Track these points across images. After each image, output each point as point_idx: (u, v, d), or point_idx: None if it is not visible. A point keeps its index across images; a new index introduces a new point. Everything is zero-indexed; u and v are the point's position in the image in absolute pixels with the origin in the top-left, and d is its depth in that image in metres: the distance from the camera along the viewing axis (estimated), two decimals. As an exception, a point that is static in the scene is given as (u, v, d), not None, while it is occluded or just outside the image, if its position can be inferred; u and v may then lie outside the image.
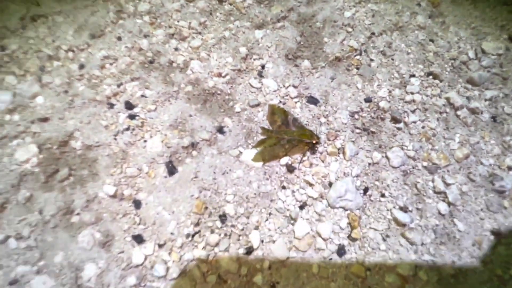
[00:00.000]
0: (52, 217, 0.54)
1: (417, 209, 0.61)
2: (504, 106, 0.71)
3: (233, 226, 0.56)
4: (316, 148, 0.64)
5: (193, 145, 0.63)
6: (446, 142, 0.68)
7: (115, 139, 0.62)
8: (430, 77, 0.76)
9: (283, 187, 0.60)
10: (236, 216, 0.57)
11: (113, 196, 0.57)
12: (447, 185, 0.63)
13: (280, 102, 0.70)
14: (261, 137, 0.65)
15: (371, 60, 0.78)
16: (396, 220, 0.59)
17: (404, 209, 0.61)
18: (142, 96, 0.67)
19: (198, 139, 0.64)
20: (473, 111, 0.71)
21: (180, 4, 0.79)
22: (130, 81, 0.68)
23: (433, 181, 0.63)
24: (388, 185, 0.63)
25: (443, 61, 0.79)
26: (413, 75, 0.76)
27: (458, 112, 0.71)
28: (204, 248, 0.53)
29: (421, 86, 0.74)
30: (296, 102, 0.70)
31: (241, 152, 0.63)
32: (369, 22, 0.83)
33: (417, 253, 0.56)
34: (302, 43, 0.78)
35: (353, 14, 0.82)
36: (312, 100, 0.71)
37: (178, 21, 0.76)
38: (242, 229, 0.56)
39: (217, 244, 0.54)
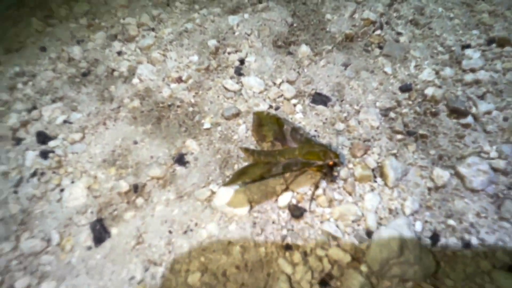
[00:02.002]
0: None
1: (538, 265, 0.34)
2: None
3: (199, 337, 0.31)
4: (335, 173, 0.39)
5: (136, 189, 0.40)
6: (553, 138, 0.42)
7: (15, 192, 0.41)
8: (494, 45, 0.52)
9: (288, 248, 0.36)
10: (205, 314, 0.32)
11: (-5, 295, 0.34)
12: None
13: (271, 107, 0.47)
14: (244, 163, 0.41)
15: (398, 33, 0.55)
16: (506, 294, 0.32)
17: (514, 268, 0.34)
18: (65, 122, 0.47)
19: (145, 178, 0.41)
20: None
21: (127, -1, 0.61)
22: (49, 103, 0.49)
23: (553, 209, 0.36)
24: (472, 224, 0.37)
25: (507, 22, 0.55)
26: (468, 46, 0.52)
27: (556, 89, 0.45)
28: None
29: (484, 59, 0.50)
30: (295, 105, 0.48)
31: (213, 193, 0.40)
32: (386, -14, 0.61)
33: None
34: (295, 25, 0.58)
35: (361, -22, 0.61)
36: (320, 99, 0.48)
37: (123, 19, 0.58)
38: None
39: None
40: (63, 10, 0.61)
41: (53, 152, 0.44)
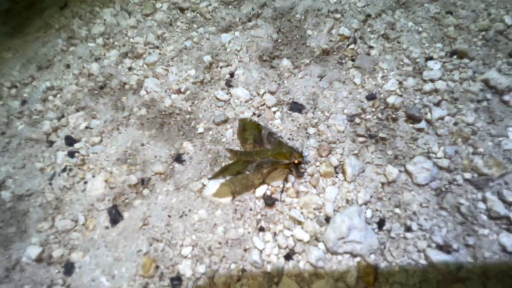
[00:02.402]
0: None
1: (467, 246, 0.42)
2: None
3: (189, 293, 0.41)
4: (301, 170, 0.48)
5: (143, 182, 0.51)
6: (495, 141, 0.49)
7: (50, 184, 0.52)
8: (455, 57, 0.59)
9: (261, 229, 0.45)
10: (194, 277, 0.42)
11: (39, 260, 0.45)
12: (509, 204, 0.43)
13: (254, 114, 0.57)
14: (230, 162, 0.51)
15: (370, 47, 0.63)
16: (434, 267, 0.40)
17: (445, 248, 0.42)
18: (87, 127, 0.58)
19: (150, 173, 0.52)
20: (528, 93, 0.52)
21: (136, 20, 0.72)
22: (74, 112, 0.60)
23: (484, 200, 0.44)
24: (415, 213, 0.45)
25: (470, 34, 0.61)
26: (431, 58, 0.59)
27: (505, 97, 0.52)
28: (147, 331, 0.39)
29: (443, 70, 0.57)
30: (274, 112, 0.56)
31: (204, 185, 0.50)
32: (363, 3, 0.69)
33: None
34: (280, 40, 0.66)
35: (339, -3, 0.69)
36: (296, 107, 0.56)
37: (133, 38, 0.69)
38: (204, 297, 0.41)
39: (165, 325, 0.39)
40: (83, 31, 0.72)
41: (78, 152, 0.55)
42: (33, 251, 0.45)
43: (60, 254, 0.46)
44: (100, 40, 0.70)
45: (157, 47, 0.68)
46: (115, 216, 0.48)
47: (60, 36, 0.71)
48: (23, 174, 0.54)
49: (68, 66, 0.67)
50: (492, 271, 0.40)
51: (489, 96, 0.53)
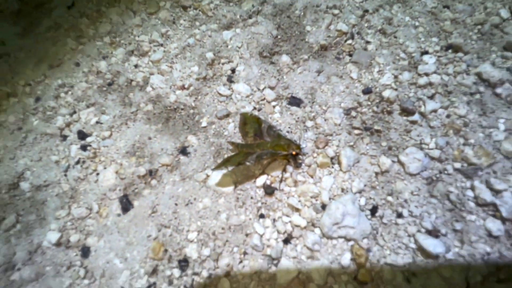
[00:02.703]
0: (-8, 275, 0.48)
1: (455, 231, 0.45)
2: None
3: (195, 274, 0.45)
4: (299, 161, 0.51)
5: (151, 173, 0.54)
6: (486, 132, 0.51)
7: (65, 175, 0.56)
8: (450, 51, 0.60)
9: (261, 216, 0.48)
10: (200, 259, 0.46)
11: (58, 245, 0.49)
12: (496, 192, 0.46)
13: (255, 108, 0.60)
14: (231, 154, 0.54)
15: (367, 42, 0.65)
16: (422, 250, 0.43)
17: (433, 232, 0.45)
18: (97, 122, 0.61)
19: (157, 165, 0.55)
20: (519, 86, 0.54)
21: (141, 19, 0.74)
22: (85, 108, 0.63)
23: (473, 188, 0.47)
24: (406, 200, 0.48)
25: (466, 28, 0.63)
26: (426, 52, 0.61)
27: (498, 90, 0.54)
28: (158, 307, 0.43)
29: (438, 64, 0.59)
30: (274, 106, 0.59)
31: (208, 176, 0.53)
32: (360, -1, 0.70)
33: (461, 300, 0.40)
34: (279, 37, 0.68)
35: (338, -7, 0.71)
36: (295, 101, 0.59)
37: (138, 36, 0.72)
38: (209, 277, 0.44)
39: (174, 301, 0.43)
40: (90, 30, 0.75)
41: (90, 146, 0.58)
42: (53, 236, 0.50)
43: (77, 239, 0.50)
44: (107, 39, 0.73)
45: (162, 45, 0.71)
46: (126, 205, 0.52)
47: (69, 36, 0.75)
48: (40, 167, 0.58)
49: (77, 64, 0.70)
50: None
51: (482, 89, 0.55)
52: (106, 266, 0.48)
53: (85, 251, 0.49)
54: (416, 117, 0.54)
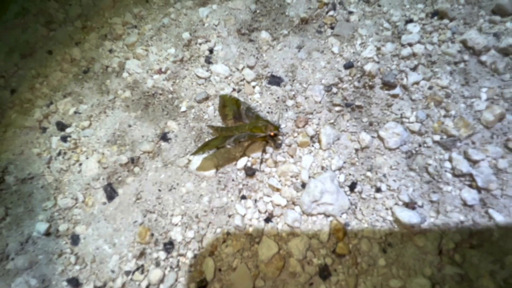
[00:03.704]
0: (-11, 266, 0.50)
1: (431, 202, 0.46)
2: (553, 35, 0.51)
3: (181, 255, 0.47)
4: (278, 141, 0.52)
5: (133, 161, 0.55)
6: (468, 103, 0.51)
7: (48, 167, 0.57)
8: (435, 17, 0.58)
9: (243, 197, 0.50)
10: (185, 241, 0.48)
11: (47, 234, 0.52)
12: (474, 162, 0.47)
13: (234, 90, 0.59)
14: (212, 137, 0.54)
15: (350, 12, 0.62)
16: (399, 222, 0.45)
17: (410, 205, 0.46)
18: (76, 112, 0.61)
19: (139, 152, 0.56)
20: (505, 52, 0.52)
21: (112, -1, 0.71)
22: (62, 98, 0.63)
23: (450, 160, 0.48)
24: (385, 175, 0.49)
25: (453, -8, 0.60)
26: (411, 20, 0.59)
27: (483, 58, 0.53)
28: (147, 287, 0.45)
29: (422, 33, 0.57)
30: (254, 87, 0.59)
31: (190, 161, 0.54)
32: (343, -36, 0.67)
33: (435, 265, 0.42)
34: (258, 11, 0.66)
35: (319, -41, 0.67)
36: (275, 80, 0.58)
37: (110, 19, 0.69)
38: (194, 257, 0.47)
39: (161, 281, 0.45)
40: (60, 14, 0.72)
41: (70, 136, 0.59)
42: (42, 226, 0.52)
43: (65, 228, 0.52)
44: (78, 23, 0.71)
45: (135, 27, 0.68)
46: (110, 193, 0.53)
47: (38, 21, 0.72)
48: (23, 160, 0.59)
49: (50, 52, 0.68)
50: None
51: (466, 57, 0.54)
52: (96, 252, 0.50)
53: (75, 239, 0.51)
54: (397, 90, 0.54)
